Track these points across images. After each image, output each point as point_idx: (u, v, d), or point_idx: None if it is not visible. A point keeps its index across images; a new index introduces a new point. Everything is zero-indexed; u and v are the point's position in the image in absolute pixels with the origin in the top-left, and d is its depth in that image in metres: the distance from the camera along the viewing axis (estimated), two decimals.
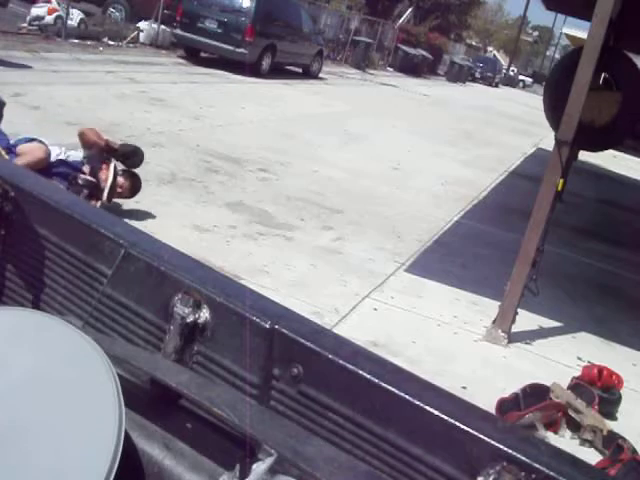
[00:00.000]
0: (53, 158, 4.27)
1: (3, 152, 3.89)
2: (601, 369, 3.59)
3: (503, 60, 54.23)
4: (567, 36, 19.10)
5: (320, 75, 17.82)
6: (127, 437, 0.55)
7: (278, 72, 15.02)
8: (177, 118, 7.95)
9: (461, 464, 0.59)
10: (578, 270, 6.15)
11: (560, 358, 4.06)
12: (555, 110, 4.38)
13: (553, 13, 37.59)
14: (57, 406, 0.57)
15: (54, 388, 0.59)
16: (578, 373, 3.65)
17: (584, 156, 10.00)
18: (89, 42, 11.95)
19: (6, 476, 0.51)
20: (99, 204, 4.28)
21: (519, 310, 4.12)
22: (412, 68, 27.01)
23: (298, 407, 0.68)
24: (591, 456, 3.03)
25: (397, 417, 0.62)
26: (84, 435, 0.55)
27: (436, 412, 0.60)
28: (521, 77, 53.83)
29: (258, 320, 0.69)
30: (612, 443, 3.07)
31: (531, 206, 4.16)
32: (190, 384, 0.63)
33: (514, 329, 4.12)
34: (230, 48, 13.43)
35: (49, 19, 11.42)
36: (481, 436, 0.58)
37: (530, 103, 27.77)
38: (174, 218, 4.78)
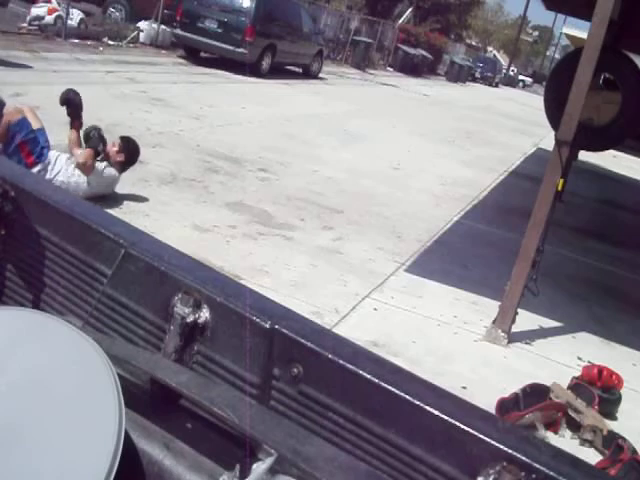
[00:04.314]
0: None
1: None
2: (601, 369, 3.59)
3: (503, 60, 54.23)
4: (567, 36, 19.09)
5: (320, 75, 17.82)
6: (127, 437, 0.55)
7: (278, 72, 15.02)
8: (177, 118, 7.95)
9: (461, 464, 0.59)
10: (578, 270, 6.15)
11: (560, 358, 4.06)
12: (556, 110, 4.38)
13: (553, 13, 37.63)
14: (57, 406, 0.57)
15: (54, 388, 0.59)
16: (578, 373, 3.65)
17: (584, 156, 10.00)
18: (89, 42, 11.95)
19: (6, 476, 0.51)
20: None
21: (519, 310, 4.12)
22: (412, 68, 27.02)
23: (298, 407, 0.68)
24: (591, 456, 3.03)
25: (397, 417, 0.62)
26: (84, 435, 0.55)
27: (436, 412, 0.60)
28: (521, 77, 53.87)
29: (258, 320, 0.69)
30: (612, 443, 3.07)
31: (531, 206, 4.16)
32: (190, 384, 0.63)
33: (514, 329, 4.12)
34: (230, 48, 13.43)
35: (49, 19, 11.42)
36: (481, 436, 0.58)
37: (530, 103, 27.78)
38: (174, 218, 4.78)
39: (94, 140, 4.66)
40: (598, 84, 5.05)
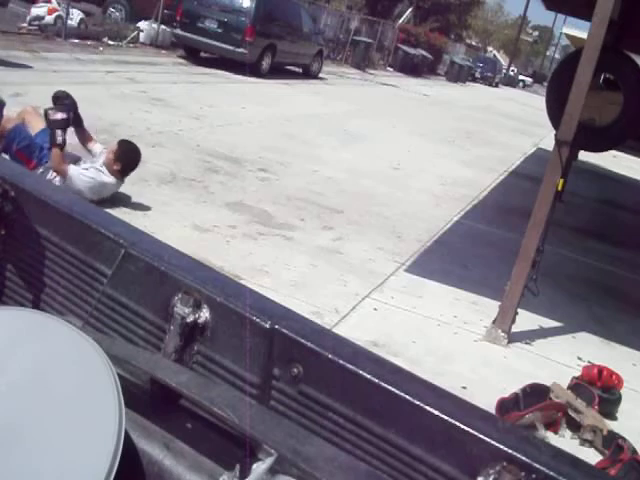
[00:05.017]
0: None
1: None
2: (601, 369, 3.59)
3: (503, 60, 54.24)
4: (567, 36, 19.08)
5: (320, 75, 17.82)
6: (127, 437, 0.55)
7: (278, 72, 15.02)
8: (177, 118, 7.95)
9: (461, 464, 0.59)
10: (578, 270, 6.15)
11: (560, 358, 4.06)
12: (557, 110, 4.38)
13: (553, 13, 37.64)
14: (57, 406, 0.57)
15: (54, 388, 0.59)
16: (578, 373, 3.65)
17: (584, 156, 10.00)
18: (89, 42, 11.95)
19: (6, 476, 0.51)
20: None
21: (519, 310, 4.12)
22: (412, 68, 27.02)
23: (298, 407, 0.68)
24: (591, 456, 3.03)
25: (397, 417, 0.62)
26: (84, 435, 0.55)
27: (436, 412, 0.60)
28: (521, 77, 53.88)
29: (258, 320, 0.69)
30: (612, 443, 3.07)
31: (531, 206, 4.16)
32: (190, 384, 0.63)
33: (514, 329, 4.12)
34: (230, 48, 13.44)
35: (49, 19, 11.42)
36: (481, 436, 0.58)
37: (530, 103, 27.79)
38: (174, 218, 4.78)
39: (51, 135, 4.33)
40: (598, 84, 5.06)
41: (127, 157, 4.70)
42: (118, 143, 4.76)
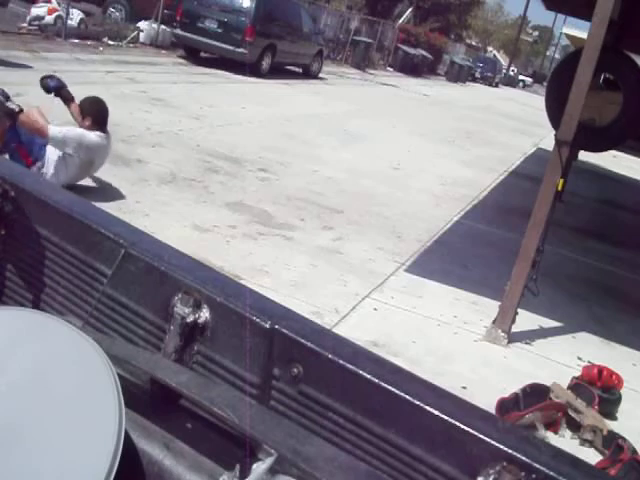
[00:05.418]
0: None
1: None
2: (601, 369, 3.59)
3: (503, 60, 54.23)
4: (567, 36, 19.09)
5: (320, 75, 17.82)
6: (127, 437, 0.55)
7: (278, 72, 15.02)
8: (177, 118, 7.95)
9: (461, 464, 0.59)
10: (578, 270, 6.15)
11: (560, 358, 4.06)
12: (557, 110, 4.38)
13: (553, 13, 37.64)
14: (57, 406, 0.57)
15: (54, 388, 0.59)
16: (578, 373, 3.65)
17: (584, 156, 10.00)
18: (89, 42, 11.95)
19: (6, 476, 0.51)
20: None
21: (519, 310, 4.12)
22: (412, 68, 27.02)
23: (298, 407, 0.68)
24: (591, 456, 3.03)
25: (397, 417, 0.62)
26: (84, 435, 0.55)
27: (436, 412, 0.60)
28: (521, 77, 53.89)
29: (258, 320, 0.69)
30: (612, 443, 3.07)
31: (531, 206, 4.16)
32: (190, 384, 0.63)
33: (514, 329, 4.12)
34: (230, 48, 13.44)
35: (49, 19, 11.43)
36: (481, 436, 0.58)
37: (530, 103, 27.79)
38: (174, 218, 4.78)
39: (4, 107, 4.42)
40: (598, 84, 5.06)
41: (91, 108, 4.80)
42: (78, 104, 4.87)
